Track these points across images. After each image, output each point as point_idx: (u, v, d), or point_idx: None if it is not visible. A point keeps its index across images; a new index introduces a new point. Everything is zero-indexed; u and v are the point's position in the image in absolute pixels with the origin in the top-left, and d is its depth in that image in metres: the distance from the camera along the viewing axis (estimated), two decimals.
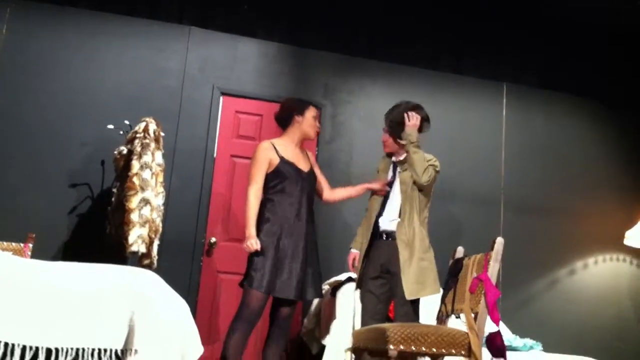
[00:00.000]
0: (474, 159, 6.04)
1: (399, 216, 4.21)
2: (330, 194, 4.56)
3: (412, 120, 4.26)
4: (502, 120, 6.22)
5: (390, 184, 4.35)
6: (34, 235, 4.46)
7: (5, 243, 4.32)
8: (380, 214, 4.29)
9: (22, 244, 4.38)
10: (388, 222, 4.24)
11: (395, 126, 4.34)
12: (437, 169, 4.29)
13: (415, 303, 4.08)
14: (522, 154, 6.18)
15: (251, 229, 4.08)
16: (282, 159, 4.24)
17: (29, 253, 4.36)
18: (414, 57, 6.09)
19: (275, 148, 4.27)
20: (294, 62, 5.85)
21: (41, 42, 5.27)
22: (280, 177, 4.22)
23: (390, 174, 4.42)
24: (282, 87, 5.73)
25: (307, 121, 4.37)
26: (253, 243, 4.05)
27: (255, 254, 4.08)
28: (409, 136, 4.23)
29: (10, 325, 2.94)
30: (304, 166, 4.34)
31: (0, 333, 2.90)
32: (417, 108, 4.36)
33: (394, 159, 4.45)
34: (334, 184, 5.63)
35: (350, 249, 4.44)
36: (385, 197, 4.33)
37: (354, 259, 4.37)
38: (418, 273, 4.04)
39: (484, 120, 6.18)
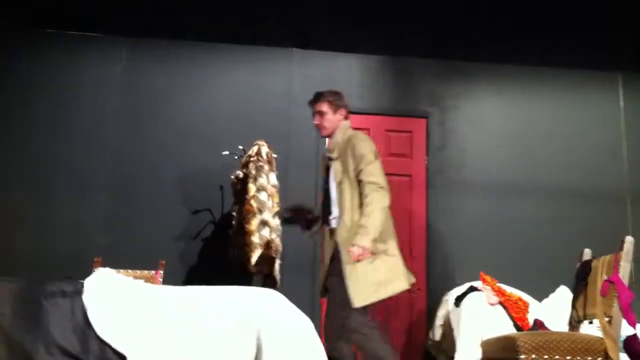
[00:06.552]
0: (593, 155, 5.79)
1: (337, 214, 3.73)
2: None
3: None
4: (620, 111, 5.92)
5: (326, 177, 3.89)
6: (164, 262, 4.71)
7: (138, 271, 4.58)
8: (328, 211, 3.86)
9: (153, 271, 4.62)
10: (332, 220, 3.81)
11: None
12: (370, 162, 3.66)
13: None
14: None
15: None
16: None
17: (161, 280, 4.60)
18: (517, 54, 5.93)
19: None
20: (396, 72, 5.84)
21: (155, 76, 5.57)
22: None
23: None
24: (387, 98, 5.74)
25: None
26: None
27: None
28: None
29: (147, 350, 3.10)
30: None
31: (136, 357, 3.07)
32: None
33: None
34: (447, 191, 5.55)
35: None
36: (326, 191, 3.88)
37: None
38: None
39: (600, 114, 5.92)
